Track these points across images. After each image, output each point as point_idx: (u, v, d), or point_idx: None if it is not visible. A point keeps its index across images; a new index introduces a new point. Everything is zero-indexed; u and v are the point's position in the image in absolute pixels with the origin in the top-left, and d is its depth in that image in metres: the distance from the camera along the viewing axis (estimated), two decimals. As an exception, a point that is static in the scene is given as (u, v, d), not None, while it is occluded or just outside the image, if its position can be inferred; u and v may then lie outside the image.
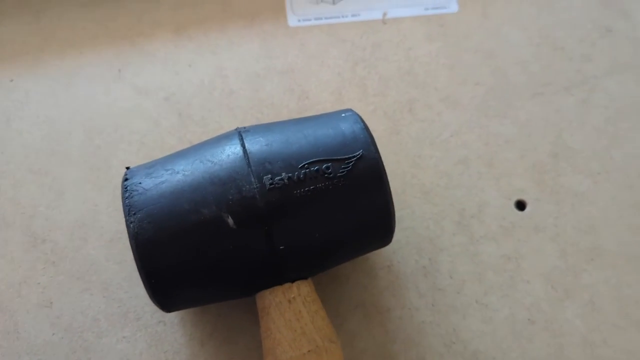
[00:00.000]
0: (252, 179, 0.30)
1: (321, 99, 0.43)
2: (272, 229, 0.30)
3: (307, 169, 0.30)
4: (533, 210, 0.41)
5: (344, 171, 0.31)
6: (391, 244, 0.40)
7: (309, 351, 0.30)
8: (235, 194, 0.29)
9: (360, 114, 0.43)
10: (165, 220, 0.29)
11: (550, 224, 0.41)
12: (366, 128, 0.32)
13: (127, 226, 0.29)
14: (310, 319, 0.31)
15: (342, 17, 0.46)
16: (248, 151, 0.30)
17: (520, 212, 0.41)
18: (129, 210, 0.29)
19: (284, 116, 0.43)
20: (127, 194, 0.30)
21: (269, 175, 0.30)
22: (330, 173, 0.30)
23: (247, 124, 0.41)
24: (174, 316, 0.37)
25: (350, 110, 0.34)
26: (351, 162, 0.31)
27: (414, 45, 0.45)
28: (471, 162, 0.42)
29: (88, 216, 0.40)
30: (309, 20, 0.46)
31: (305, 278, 0.33)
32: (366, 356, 0.37)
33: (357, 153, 0.31)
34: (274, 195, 0.30)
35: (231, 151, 0.31)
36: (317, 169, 0.30)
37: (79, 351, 0.37)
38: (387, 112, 0.43)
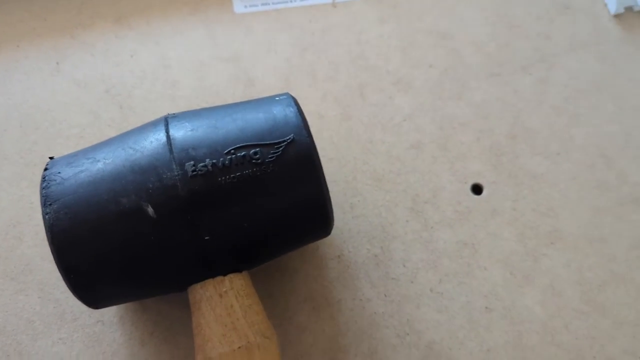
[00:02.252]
0: (174, 166, 0.28)
1: (268, 86, 0.42)
2: (196, 218, 0.28)
3: (233, 154, 0.29)
4: (490, 193, 0.40)
5: (273, 156, 0.29)
6: (342, 233, 0.38)
7: (239, 347, 0.29)
8: (155, 182, 0.28)
9: (310, 100, 0.42)
10: (83, 211, 0.28)
11: (508, 208, 0.39)
12: (299, 112, 0.31)
13: (43, 218, 0.28)
14: (242, 314, 0.30)
15: (291, 1, 0.45)
16: (171, 137, 0.29)
17: (476, 196, 0.40)
18: (45, 200, 0.28)
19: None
20: (44, 184, 0.29)
21: (192, 162, 0.29)
22: (258, 159, 0.29)
23: (190, 114, 0.40)
24: (112, 315, 0.36)
25: (286, 94, 0.33)
26: (281, 147, 0.29)
27: (365, 28, 0.44)
28: (425, 146, 0.41)
29: (23, 214, 0.38)
30: (256, 5, 0.44)
31: (239, 271, 0.31)
32: (316, 350, 0.36)
33: (288, 137, 0.30)
34: (196, 183, 0.28)
35: (154, 138, 0.29)
36: (244, 155, 0.29)
37: (13, 355, 0.35)
38: (338, 98, 0.42)
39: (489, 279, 0.37)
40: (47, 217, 0.28)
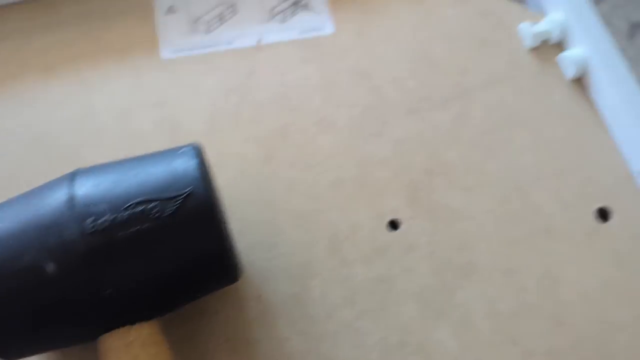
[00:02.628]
0: (74, 223, 0.30)
1: (193, 131, 0.44)
2: (96, 274, 0.30)
3: (132, 209, 0.30)
4: (407, 229, 0.41)
5: (171, 210, 0.30)
6: (262, 272, 0.40)
7: None
8: (56, 239, 0.30)
9: (233, 142, 0.43)
10: None
11: (424, 242, 0.41)
12: (201, 164, 0.32)
13: None
14: None
15: (217, 46, 0.46)
16: (74, 194, 0.31)
17: (393, 232, 0.41)
18: None
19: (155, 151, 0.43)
20: None
21: (92, 218, 0.30)
22: (156, 213, 0.30)
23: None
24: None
25: (191, 145, 0.34)
26: (179, 200, 0.31)
27: (289, 69, 0.46)
28: (344, 183, 0.42)
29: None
30: (183, 51, 0.46)
31: (146, 320, 0.32)
32: (235, 391, 0.37)
33: (186, 191, 0.31)
34: (96, 239, 0.30)
35: (58, 195, 0.31)
36: (142, 209, 0.30)
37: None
38: (260, 139, 0.44)
39: (404, 313, 0.39)
40: None
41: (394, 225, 0.42)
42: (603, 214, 0.43)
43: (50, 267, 0.29)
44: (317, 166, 0.43)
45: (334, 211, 0.42)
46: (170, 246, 0.31)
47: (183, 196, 0.31)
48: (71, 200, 0.30)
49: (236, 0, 0.48)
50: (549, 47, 0.48)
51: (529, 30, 0.47)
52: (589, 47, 0.45)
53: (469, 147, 0.44)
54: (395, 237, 0.41)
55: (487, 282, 0.40)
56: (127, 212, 0.30)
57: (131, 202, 0.30)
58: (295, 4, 0.48)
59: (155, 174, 0.32)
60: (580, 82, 0.46)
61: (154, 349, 0.32)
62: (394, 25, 0.48)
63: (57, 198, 0.31)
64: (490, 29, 0.48)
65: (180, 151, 0.33)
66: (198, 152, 0.33)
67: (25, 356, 0.33)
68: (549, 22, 0.47)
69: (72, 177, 0.32)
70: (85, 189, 0.31)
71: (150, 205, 0.30)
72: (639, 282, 0.40)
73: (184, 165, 0.32)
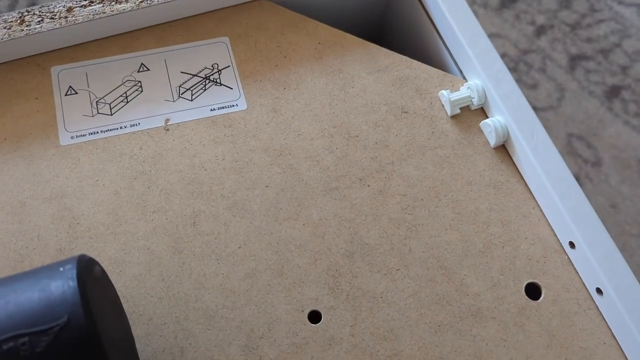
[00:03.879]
0: None
1: (95, 224, 0.41)
2: None
3: (0, 345, 0.27)
4: (328, 320, 0.39)
5: (42, 345, 0.27)
6: (170, 382, 0.37)
7: None
8: None
9: (139, 234, 0.41)
10: None
11: (346, 334, 0.39)
12: (81, 284, 0.29)
13: None
14: None
15: (121, 128, 0.44)
16: None
17: (314, 325, 0.39)
18: None
19: (52, 249, 0.40)
20: None
21: None
22: (26, 350, 0.27)
23: (5, 265, 0.38)
24: None
25: (73, 261, 0.31)
26: (52, 333, 0.27)
27: (199, 150, 0.44)
28: (260, 274, 0.40)
29: None
30: (84, 135, 0.43)
31: None
32: None
33: (60, 321, 0.28)
34: None
35: None
36: (10, 347, 0.27)
37: None
38: (169, 229, 0.41)
39: (326, 417, 0.36)
40: None
41: (314, 317, 0.39)
42: (533, 291, 0.41)
43: None
44: (231, 256, 0.40)
45: (250, 306, 0.39)
46: None
47: (58, 327, 0.27)
48: None
49: (142, 77, 0.45)
50: (472, 114, 0.47)
51: (449, 96, 0.46)
52: (509, 113, 0.44)
53: (390, 225, 0.42)
54: (315, 331, 0.39)
55: (414, 375, 0.38)
56: None
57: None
58: (205, 79, 0.46)
59: (27, 302, 0.28)
60: (504, 149, 0.46)
61: None
62: (310, 98, 0.46)
63: None
64: (409, 97, 0.47)
65: (61, 269, 0.30)
66: (81, 270, 0.30)
67: None
68: (469, 88, 0.46)
69: None
70: None
71: (20, 342, 0.27)
72: (572, 363, 0.39)
73: (62, 288, 0.29)
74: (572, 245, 0.41)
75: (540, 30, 1.17)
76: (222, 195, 0.43)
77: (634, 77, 1.12)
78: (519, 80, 1.11)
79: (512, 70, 1.14)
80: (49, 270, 0.31)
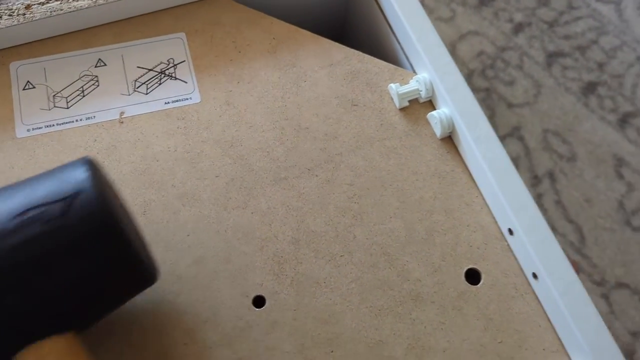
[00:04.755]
0: None
1: (48, 213, 0.42)
2: None
3: (20, 217, 0.31)
4: (272, 305, 0.40)
5: (61, 212, 0.31)
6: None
7: None
8: None
9: (91, 223, 0.42)
10: None
11: (289, 318, 0.40)
12: (91, 167, 0.33)
13: None
14: None
15: (77, 121, 0.45)
16: None
17: (257, 309, 0.40)
18: None
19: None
20: None
21: None
22: (44, 217, 0.31)
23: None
24: None
25: (85, 157, 0.34)
26: (67, 200, 0.31)
27: (152, 142, 0.45)
28: (207, 261, 0.41)
29: None
30: (40, 128, 0.45)
31: (61, 332, 0.32)
32: None
33: (74, 192, 0.31)
34: None
35: None
36: (30, 216, 0.31)
37: None
38: (120, 218, 0.42)
39: (266, 397, 0.38)
40: None
41: (258, 301, 0.41)
42: (473, 276, 0.43)
43: None
44: (179, 244, 0.42)
45: (196, 292, 0.40)
46: (64, 248, 0.31)
47: (70, 197, 0.31)
48: None
49: (99, 72, 0.47)
50: (420, 106, 0.48)
51: (398, 90, 0.47)
52: (454, 105, 0.46)
53: (336, 213, 0.43)
54: (259, 315, 0.40)
55: (352, 357, 0.39)
56: (14, 221, 0.30)
57: (19, 213, 0.31)
58: (160, 73, 0.47)
59: (41, 185, 0.32)
60: (451, 140, 0.47)
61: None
62: (263, 91, 0.48)
63: None
64: (360, 91, 0.48)
65: (70, 163, 0.34)
66: (89, 160, 0.33)
67: None
68: (417, 82, 0.48)
69: None
70: None
71: (39, 211, 0.31)
72: (509, 348, 0.40)
73: (72, 171, 0.33)
74: (510, 232, 0.43)
75: (518, 28, 1.18)
76: (173, 185, 0.44)
77: (610, 74, 1.13)
78: (495, 77, 1.13)
79: (490, 67, 1.15)
80: (60, 166, 0.34)
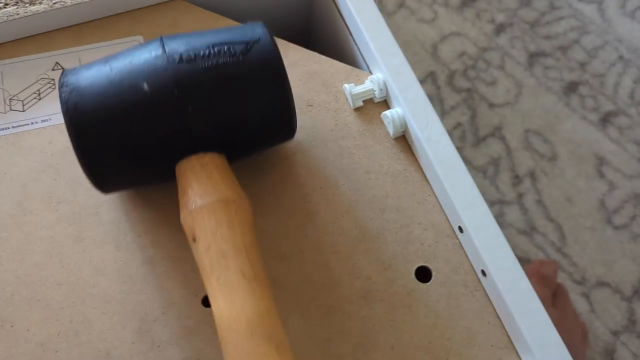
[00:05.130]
0: (165, 57, 0.37)
1: (0, 215, 0.42)
2: (181, 92, 0.36)
3: (211, 48, 0.38)
4: (221, 304, 0.41)
5: (243, 50, 0.38)
6: (64, 363, 0.38)
7: (217, 199, 0.36)
8: (150, 69, 0.37)
9: (44, 222, 0.43)
10: (90, 90, 0.36)
11: (238, 317, 0.40)
12: (267, 27, 0.40)
13: (59, 95, 0.37)
14: (220, 179, 0.37)
15: (32, 124, 0.46)
16: (165, 44, 0.38)
17: (207, 309, 0.41)
18: (62, 84, 0.37)
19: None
20: (62, 73, 0.38)
21: (180, 54, 0.37)
22: (230, 51, 0.38)
23: None
24: None
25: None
26: (250, 44, 0.39)
27: (107, 144, 0.45)
28: (158, 261, 0.42)
29: None
30: (-4, 131, 0.45)
31: (219, 152, 0.39)
32: None
33: (255, 38, 0.39)
34: (182, 67, 0.37)
35: (151, 47, 0.38)
36: (219, 49, 0.38)
37: None
38: (72, 219, 0.43)
39: (212, 395, 0.38)
40: (62, 95, 0.37)
41: (207, 301, 0.41)
42: (424, 274, 0.43)
43: (145, 87, 0.36)
44: (130, 244, 0.42)
45: (146, 291, 0.41)
46: (243, 78, 0.38)
47: (253, 41, 0.39)
48: (162, 47, 0.38)
49: (56, 75, 0.47)
50: (375, 106, 0.48)
51: (352, 90, 0.47)
52: (406, 104, 0.46)
53: (288, 212, 0.44)
54: (208, 314, 0.40)
55: (300, 355, 0.39)
56: (207, 50, 0.38)
57: (210, 45, 0.38)
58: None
59: (227, 31, 0.40)
60: (405, 139, 0.47)
61: (226, 172, 0.38)
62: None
63: (151, 48, 0.38)
64: (315, 91, 0.49)
65: (250, 22, 0.41)
66: (263, 23, 0.41)
67: (117, 186, 0.40)
68: (371, 82, 0.48)
69: (160, 39, 0.39)
70: (172, 43, 0.38)
71: (226, 47, 0.38)
72: (457, 345, 0.40)
73: (251, 26, 0.40)
74: (461, 229, 0.43)
75: (499, 28, 1.18)
76: (127, 186, 0.44)
77: (591, 73, 1.13)
78: (476, 78, 1.13)
79: (471, 67, 1.15)
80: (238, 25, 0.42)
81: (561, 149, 1.06)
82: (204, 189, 0.37)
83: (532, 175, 1.04)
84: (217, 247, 0.35)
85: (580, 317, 0.93)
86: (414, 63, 1.11)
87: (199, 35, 0.40)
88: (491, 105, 1.09)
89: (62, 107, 0.37)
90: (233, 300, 0.34)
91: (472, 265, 0.43)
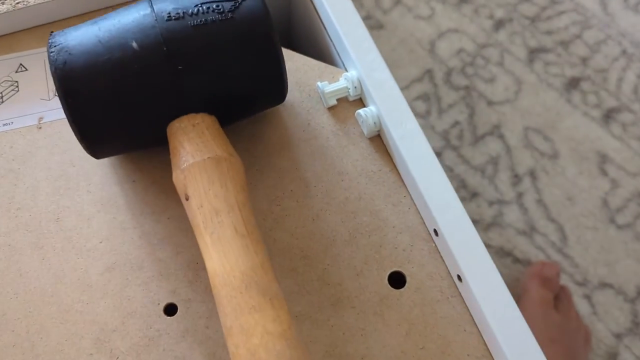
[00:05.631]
0: (154, 15, 0.37)
1: (-41, 221, 0.41)
2: (171, 49, 0.36)
3: (200, 6, 0.38)
4: (184, 312, 0.39)
5: (232, 8, 0.38)
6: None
7: (209, 157, 0.36)
8: (139, 27, 0.37)
9: (1, 229, 0.41)
10: (79, 49, 0.36)
11: (201, 326, 0.39)
12: None
13: (48, 56, 0.37)
14: (211, 138, 0.37)
15: (-6, 127, 0.44)
16: (153, 3, 0.38)
17: (169, 317, 0.39)
18: (50, 44, 0.37)
19: None
20: (51, 35, 0.38)
21: (168, 12, 0.37)
22: (220, 9, 0.38)
23: None
24: None
25: None
26: (239, 1, 0.38)
27: (70, 147, 0.44)
28: (119, 268, 0.40)
29: None
30: (-43, 135, 0.44)
31: (210, 114, 0.39)
32: None
33: None
34: (171, 24, 0.37)
35: (140, 7, 0.38)
36: (208, 6, 0.38)
37: None
38: (31, 226, 0.41)
39: (171, 409, 0.36)
40: (51, 55, 0.36)
41: (170, 310, 0.39)
42: (398, 280, 0.41)
43: (134, 45, 0.36)
44: (91, 251, 0.41)
45: (106, 300, 0.39)
46: (232, 35, 0.38)
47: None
48: (150, 6, 0.38)
49: (19, 77, 0.46)
50: (350, 105, 0.47)
51: (325, 88, 0.46)
52: (381, 102, 0.44)
53: (257, 217, 0.42)
54: (170, 323, 0.39)
55: (265, 366, 0.37)
56: (195, 7, 0.38)
57: (199, 3, 0.38)
58: (82, 77, 0.46)
59: None
60: (380, 139, 0.45)
61: (217, 132, 0.38)
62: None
63: (140, 7, 0.38)
64: (289, 90, 0.47)
65: None
66: None
67: (109, 149, 0.40)
68: (346, 79, 0.46)
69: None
70: (160, 2, 0.38)
71: (215, 5, 0.38)
72: (431, 354, 0.38)
73: None
74: (436, 233, 0.41)
75: (498, 24, 1.15)
76: (89, 191, 0.43)
77: (594, 68, 1.10)
78: (475, 75, 1.10)
79: (469, 64, 1.13)
80: None
81: (562, 146, 1.03)
82: (195, 147, 0.37)
83: (532, 174, 1.02)
84: (210, 205, 0.35)
85: (582, 319, 0.90)
86: (410, 61, 1.09)
87: None
88: (490, 103, 1.07)
89: (50, 68, 0.36)
90: (227, 255, 0.34)
91: (448, 270, 0.41)
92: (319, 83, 0.46)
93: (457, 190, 1.01)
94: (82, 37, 0.37)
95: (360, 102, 0.47)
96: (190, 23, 0.37)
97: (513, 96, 1.08)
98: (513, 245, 0.95)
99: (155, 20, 0.37)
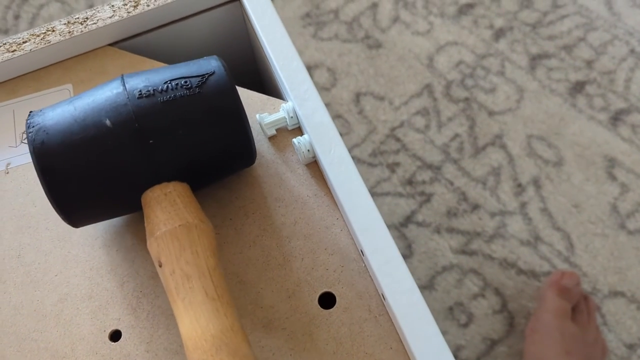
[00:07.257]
0: (126, 93, 0.40)
1: None
2: (142, 126, 0.39)
3: (169, 83, 0.41)
4: (127, 338, 0.42)
5: (199, 83, 0.41)
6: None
7: (179, 225, 0.39)
8: (112, 107, 0.40)
9: (-28, 269, 0.46)
10: (56, 129, 0.39)
11: (142, 350, 0.42)
12: (222, 61, 0.43)
13: (27, 136, 0.40)
14: (183, 206, 0.40)
15: (-32, 175, 0.49)
16: (125, 82, 0.41)
17: (113, 343, 0.42)
18: (29, 125, 0.40)
19: None
20: (29, 115, 0.41)
21: (139, 90, 0.40)
22: (187, 85, 0.41)
23: None
24: None
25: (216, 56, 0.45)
26: (205, 77, 0.42)
27: (33, 189, 0.49)
28: (71, 298, 0.44)
29: None
30: (-64, 184, 0.49)
31: (181, 181, 0.42)
32: None
33: (211, 71, 0.42)
34: (142, 101, 0.40)
35: (113, 85, 0.41)
36: (177, 83, 0.41)
37: None
38: (-3, 263, 0.46)
39: None
40: (29, 135, 0.39)
41: (115, 336, 0.43)
42: (328, 300, 0.43)
43: (108, 122, 0.39)
44: (47, 283, 0.45)
45: (58, 328, 0.43)
46: (200, 108, 0.40)
47: (208, 74, 0.42)
48: (123, 85, 0.41)
49: (-9, 128, 0.51)
50: (288, 134, 0.49)
51: (263, 119, 0.49)
52: (311, 130, 0.46)
53: (198, 245, 0.45)
54: (114, 348, 0.42)
55: (198, 386, 0.40)
56: (165, 85, 0.41)
57: (167, 80, 0.41)
58: (46, 124, 0.51)
59: (184, 66, 0.43)
60: (316, 165, 0.48)
61: (188, 199, 0.41)
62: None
63: (114, 88, 0.41)
64: (232, 123, 0.50)
65: (207, 57, 0.44)
66: (218, 57, 0.44)
67: (87, 219, 0.42)
68: (283, 111, 0.49)
69: (121, 77, 0.42)
70: (132, 80, 0.41)
71: (183, 81, 0.41)
72: (356, 369, 0.40)
73: (207, 59, 0.43)
74: (362, 253, 0.43)
75: (499, 33, 1.15)
76: (47, 228, 0.47)
77: (599, 71, 1.08)
78: (475, 86, 1.10)
79: (469, 76, 1.13)
80: (196, 60, 0.44)
81: (567, 153, 1.02)
82: (167, 215, 0.39)
83: (536, 183, 1.01)
84: (181, 271, 0.38)
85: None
86: (409, 77, 1.10)
87: (158, 71, 0.42)
88: (491, 113, 1.07)
89: (29, 147, 0.39)
90: (198, 320, 0.37)
91: (376, 289, 0.43)
92: (257, 115, 0.49)
93: (457, 203, 1.02)
94: (58, 116, 0.40)
95: (299, 131, 0.49)
96: (160, 99, 0.40)
97: (515, 105, 1.07)
98: (517, 256, 0.94)
99: (127, 98, 0.39)
